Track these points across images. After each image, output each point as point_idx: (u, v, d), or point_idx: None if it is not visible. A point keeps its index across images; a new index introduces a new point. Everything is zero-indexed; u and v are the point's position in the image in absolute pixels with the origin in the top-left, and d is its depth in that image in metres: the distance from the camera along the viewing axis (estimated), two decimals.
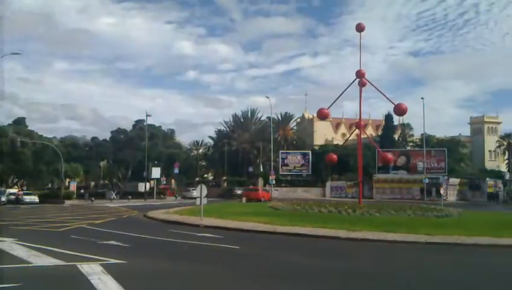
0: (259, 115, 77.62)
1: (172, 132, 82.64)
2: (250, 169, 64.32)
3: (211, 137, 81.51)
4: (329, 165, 47.58)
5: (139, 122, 71.29)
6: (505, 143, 74.47)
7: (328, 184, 58.82)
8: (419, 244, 16.64)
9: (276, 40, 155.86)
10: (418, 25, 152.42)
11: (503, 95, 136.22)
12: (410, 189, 56.55)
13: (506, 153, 74.38)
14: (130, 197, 52.42)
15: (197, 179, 66.06)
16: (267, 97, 62.62)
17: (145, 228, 20.65)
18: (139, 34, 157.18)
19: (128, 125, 76.26)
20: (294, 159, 60.61)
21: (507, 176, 63.82)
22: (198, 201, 23.14)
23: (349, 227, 19.42)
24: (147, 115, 55.51)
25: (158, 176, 55.06)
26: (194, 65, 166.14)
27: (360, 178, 33.62)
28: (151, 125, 67.59)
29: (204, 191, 23.08)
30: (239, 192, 55.70)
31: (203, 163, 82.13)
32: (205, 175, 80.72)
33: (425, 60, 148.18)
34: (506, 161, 74.48)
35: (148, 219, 25.79)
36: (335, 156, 34.74)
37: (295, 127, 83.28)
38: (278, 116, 76.20)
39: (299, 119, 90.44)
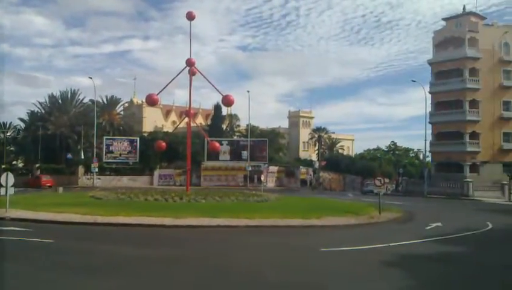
0: (81, 97, 71.08)
1: None
2: (69, 156, 58.69)
3: (21, 119, 71.69)
4: (158, 152, 46.74)
5: None
6: (316, 135, 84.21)
7: (157, 172, 57.83)
8: (240, 227, 17.57)
9: (103, 18, 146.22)
10: (246, 21, 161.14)
11: (316, 93, 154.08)
12: (235, 176, 59.60)
13: (317, 144, 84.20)
14: None
15: (3, 166, 57.47)
16: (91, 78, 57.99)
17: None
18: None
19: None
20: (121, 146, 57.68)
21: (316, 165, 72.35)
22: (3, 191, 20.03)
23: (175, 214, 19.34)
24: None
25: None
26: (2, 36, 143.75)
27: (189, 166, 33.86)
28: None
29: (11, 180, 20.09)
30: None
31: (12, 148, 72.04)
32: (14, 162, 70.74)
33: (252, 55, 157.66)
34: (316, 151, 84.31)
35: None
36: (164, 144, 34.32)
37: (122, 112, 79.34)
38: (103, 100, 71.46)
39: (127, 104, 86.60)
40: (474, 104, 55.26)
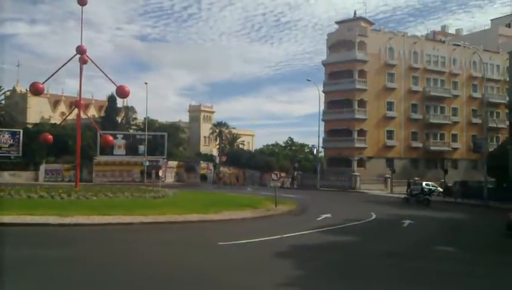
0: None
1: None
2: None
3: None
4: (44, 146, 43.14)
5: None
6: (217, 130, 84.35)
7: (42, 167, 53.34)
8: (134, 225, 16.82)
9: None
10: (145, 11, 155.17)
11: (218, 88, 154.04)
12: (131, 171, 57.32)
13: (217, 139, 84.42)
14: None
15: None
16: None
17: None
18: None
19: None
20: (1, 139, 52.07)
21: (217, 160, 72.51)
22: None
23: (62, 212, 17.94)
24: None
25: None
26: None
27: (78, 160, 31.76)
28: None
29: None
30: None
31: None
32: None
33: (151, 46, 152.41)
34: (217, 146, 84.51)
35: None
36: (50, 137, 31.79)
37: (3, 102, 71.84)
38: None
39: (8, 93, 78.51)
40: (362, 103, 59.60)
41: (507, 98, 48.79)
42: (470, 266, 11.73)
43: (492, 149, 48.77)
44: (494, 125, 57.94)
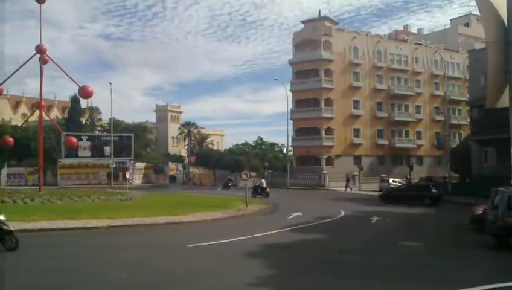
0: None
1: None
2: None
3: None
4: (5, 149, 41.48)
5: None
6: (185, 131, 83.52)
7: (4, 171, 51.32)
8: (101, 229, 16.41)
9: None
10: (108, 9, 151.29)
11: (186, 87, 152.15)
12: (98, 174, 55.98)
13: (186, 139, 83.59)
14: None
15: None
16: None
17: None
18: None
19: None
20: None
21: (186, 160, 71.80)
22: None
23: (25, 217, 17.25)
24: None
25: None
26: None
27: (41, 163, 30.82)
28: None
29: None
30: None
31: None
32: None
33: (116, 45, 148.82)
34: (186, 147, 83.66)
35: None
36: (11, 139, 30.86)
37: None
38: None
39: None
40: (329, 102, 60.28)
41: (468, 96, 50.44)
42: (432, 259, 12.00)
43: (455, 145, 50.47)
44: (456, 122, 59.94)
